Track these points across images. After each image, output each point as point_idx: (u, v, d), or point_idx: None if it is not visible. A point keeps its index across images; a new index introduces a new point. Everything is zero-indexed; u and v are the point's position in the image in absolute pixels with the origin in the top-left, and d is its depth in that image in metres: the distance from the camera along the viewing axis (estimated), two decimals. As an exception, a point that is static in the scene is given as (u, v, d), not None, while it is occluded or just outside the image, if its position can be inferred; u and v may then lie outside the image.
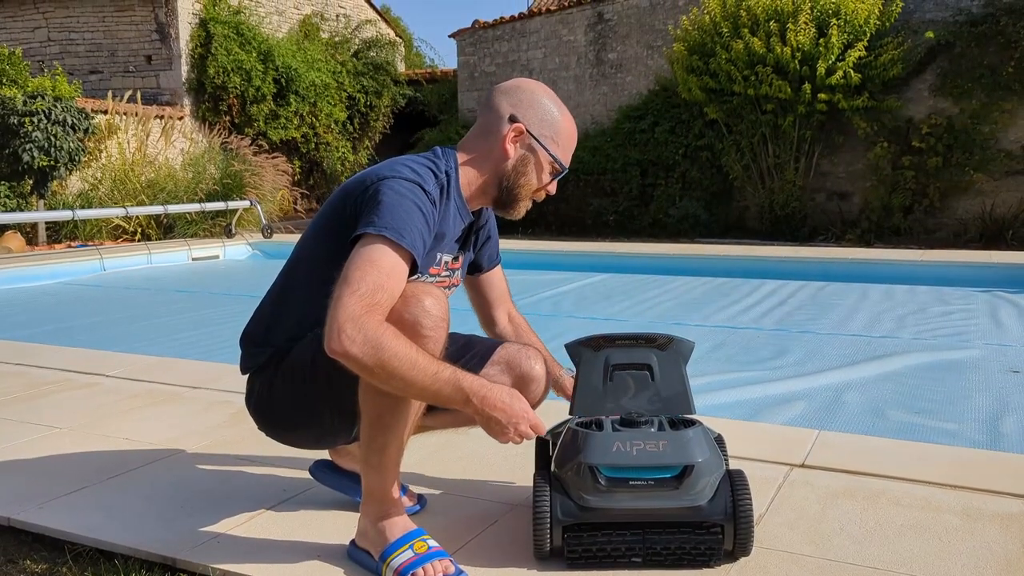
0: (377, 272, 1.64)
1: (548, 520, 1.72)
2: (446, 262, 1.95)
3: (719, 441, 1.93)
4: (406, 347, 1.61)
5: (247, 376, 1.96)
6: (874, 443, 2.59)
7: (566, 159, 1.96)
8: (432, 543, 1.80)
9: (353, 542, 1.88)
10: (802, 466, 2.38)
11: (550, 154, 1.92)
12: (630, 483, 1.68)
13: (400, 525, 1.82)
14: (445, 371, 1.64)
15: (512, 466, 2.37)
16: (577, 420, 1.83)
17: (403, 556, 1.75)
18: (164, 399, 3.17)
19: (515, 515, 2.08)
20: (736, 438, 2.24)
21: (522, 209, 1.96)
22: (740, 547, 1.74)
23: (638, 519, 1.71)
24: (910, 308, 5.57)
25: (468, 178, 1.91)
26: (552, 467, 1.82)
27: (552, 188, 1.99)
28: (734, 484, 1.73)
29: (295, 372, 1.83)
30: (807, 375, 3.85)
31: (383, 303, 1.63)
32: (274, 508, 2.15)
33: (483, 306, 2.20)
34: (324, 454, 2.20)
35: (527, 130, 1.90)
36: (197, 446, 2.61)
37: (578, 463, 1.72)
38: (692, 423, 1.78)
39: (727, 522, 1.71)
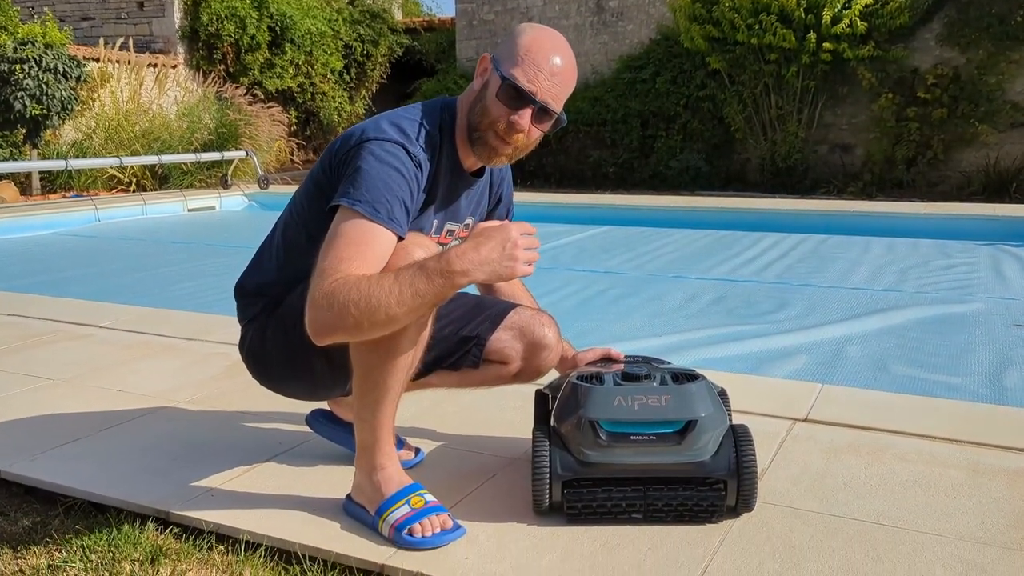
0: (346, 245, 1.58)
1: (547, 475, 1.68)
2: (451, 231, 1.87)
3: (722, 395, 1.89)
4: (358, 280, 1.52)
5: (242, 325, 1.91)
6: (878, 397, 2.56)
7: (528, 79, 1.66)
8: (429, 498, 1.76)
9: (349, 496, 1.84)
10: (805, 420, 2.35)
11: (500, 73, 1.66)
12: (631, 438, 1.64)
13: (396, 480, 1.78)
14: (405, 271, 1.53)
15: (512, 419, 2.34)
16: (577, 374, 1.79)
17: (399, 511, 1.72)
18: (159, 351, 3.13)
19: (514, 469, 2.04)
20: (738, 392, 2.20)
21: (494, 153, 1.72)
22: (743, 503, 1.71)
23: (639, 474, 1.68)
24: (912, 261, 5.52)
25: (460, 131, 1.78)
26: (552, 421, 1.78)
27: (521, 120, 1.67)
28: (738, 439, 1.69)
29: (286, 323, 1.78)
30: (808, 328, 3.81)
31: (349, 272, 1.56)
32: (269, 461, 2.11)
33: None
34: (322, 404, 2.17)
35: (491, 57, 1.73)
36: (192, 398, 2.57)
37: (578, 417, 1.68)
38: (695, 377, 1.74)
39: (730, 478, 1.67)
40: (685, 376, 1.75)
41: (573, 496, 1.69)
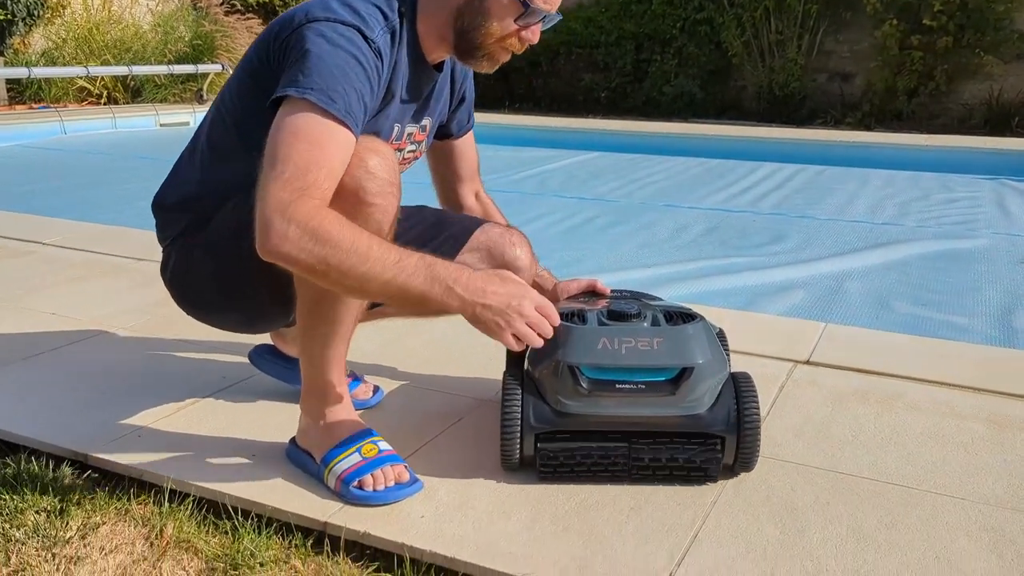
0: (306, 146, 1.29)
1: (518, 428, 1.46)
2: (410, 134, 1.61)
3: (721, 337, 1.67)
4: (354, 234, 1.28)
5: (163, 246, 1.66)
6: (886, 339, 2.34)
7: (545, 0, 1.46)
8: (384, 446, 1.54)
9: (293, 441, 1.62)
10: (807, 363, 2.13)
11: None
12: (617, 387, 1.41)
13: (347, 425, 1.56)
14: (410, 259, 1.31)
15: (487, 355, 2.11)
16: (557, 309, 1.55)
17: (348, 461, 1.50)
18: (104, 271, 2.87)
19: (484, 412, 1.82)
20: (733, 330, 1.97)
21: (489, 62, 1.52)
22: (743, 463, 1.50)
23: (625, 428, 1.46)
24: (913, 195, 5.28)
25: (426, 20, 1.51)
26: (525, 364, 1.55)
27: (533, 36, 1.50)
28: (739, 390, 1.47)
29: (217, 245, 1.53)
30: (806, 262, 3.58)
31: (320, 184, 1.29)
32: (208, 398, 1.88)
33: (449, 181, 1.85)
34: (265, 338, 1.93)
35: None
36: (131, 325, 2.33)
37: (556, 362, 1.45)
38: (692, 317, 1.51)
39: (729, 434, 1.46)
40: (680, 316, 1.52)
41: (548, 451, 1.48)
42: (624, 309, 1.48)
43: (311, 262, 1.27)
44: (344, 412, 1.57)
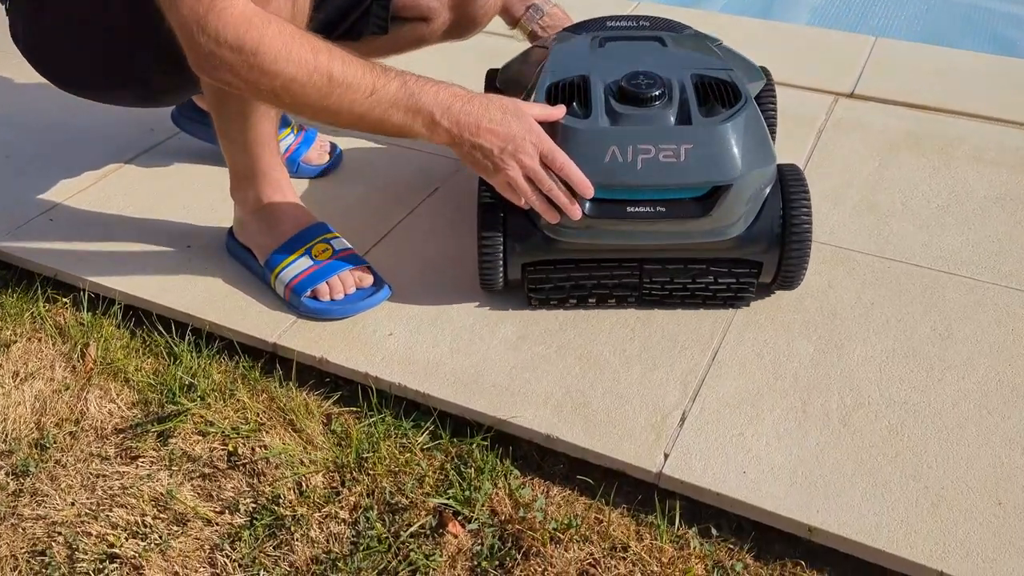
0: None
1: (499, 259, 1.17)
2: None
3: (768, 90, 1.33)
4: (307, 54, 0.96)
5: (4, 8, 1.27)
6: (950, 58, 1.95)
7: None
8: (339, 244, 1.27)
9: (232, 233, 1.35)
10: (851, 96, 1.79)
11: None
12: (628, 210, 1.10)
13: (290, 218, 1.28)
14: (386, 88, 1.00)
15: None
16: (550, 80, 1.18)
17: (296, 266, 1.24)
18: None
19: (464, 178, 1.53)
20: (756, 49, 1.61)
21: None
22: (784, 283, 1.22)
23: (637, 256, 1.18)
24: None
25: None
26: None
27: None
28: (787, 194, 1.15)
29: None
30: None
31: None
32: (132, 163, 1.58)
33: None
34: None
35: None
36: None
37: None
38: (735, 93, 1.14)
39: (770, 254, 1.16)
40: (719, 88, 1.14)
41: (538, 279, 1.20)
42: (642, 88, 1.11)
43: (261, 92, 0.98)
44: (285, 201, 1.28)
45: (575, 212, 1.07)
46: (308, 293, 1.23)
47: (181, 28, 0.93)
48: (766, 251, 1.16)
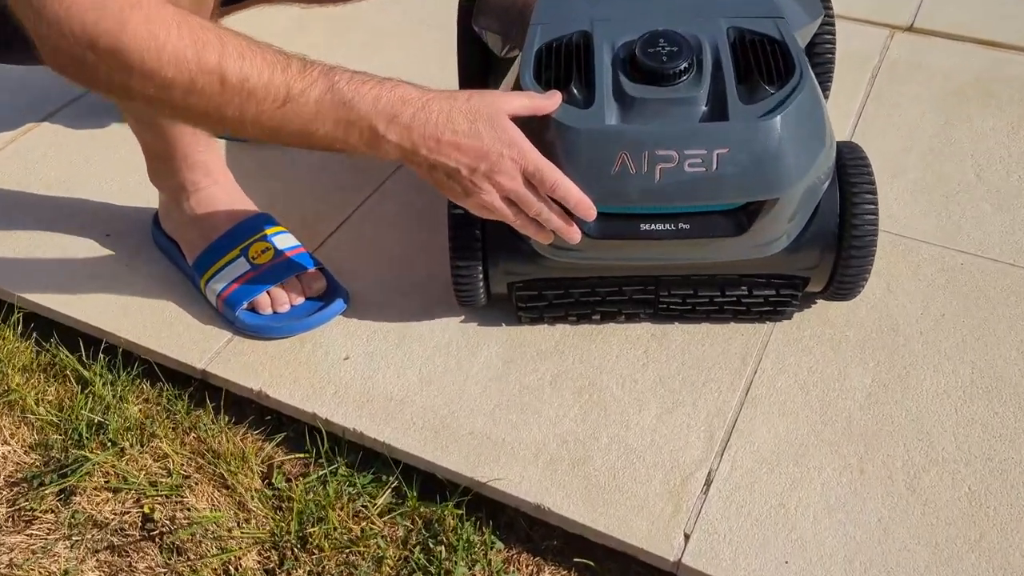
0: None
1: (478, 281, 0.93)
2: None
3: (826, 26, 1.07)
4: (188, 47, 0.69)
5: None
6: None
7: None
8: (284, 241, 1.03)
9: (156, 221, 1.11)
10: (909, 29, 1.50)
11: None
12: (643, 227, 0.85)
13: (222, 208, 1.03)
14: (310, 91, 0.73)
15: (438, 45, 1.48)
16: (539, 40, 0.89)
17: (229, 272, 1.00)
18: None
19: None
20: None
21: None
22: (839, 293, 0.96)
23: (649, 272, 0.93)
24: None
25: None
26: None
27: None
28: (848, 186, 0.88)
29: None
30: None
31: None
32: (50, 120, 1.32)
33: None
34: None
35: None
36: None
37: None
38: (786, 61, 0.85)
39: (823, 264, 0.91)
40: (762, 54, 0.86)
41: (529, 297, 0.96)
42: (663, 58, 0.82)
43: (134, 99, 0.71)
44: (215, 187, 1.03)
45: (574, 236, 0.83)
46: (245, 305, 0.99)
47: (19, 11, 0.67)
48: (818, 262, 0.91)
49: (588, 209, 0.80)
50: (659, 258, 0.89)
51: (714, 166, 0.81)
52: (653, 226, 0.85)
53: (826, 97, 1.16)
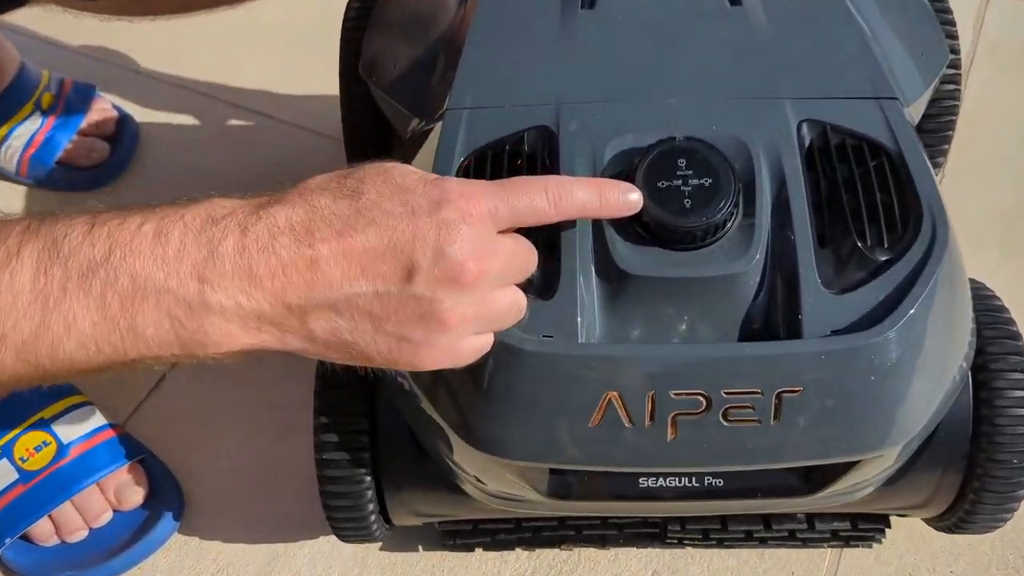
0: None
1: (365, 510, 0.54)
2: None
3: (950, 80, 0.66)
4: None
5: None
6: None
7: None
8: (74, 431, 0.65)
9: None
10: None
11: None
12: (643, 484, 0.48)
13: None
14: (20, 270, 0.37)
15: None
16: (460, 150, 0.48)
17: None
18: None
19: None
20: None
21: None
22: (964, 528, 0.57)
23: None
24: None
25: None
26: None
27: None
28: (986, 375, 0.50)
29: None
30: None
31: None
32: None
33: None
34: None
35: None
36: None
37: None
38: (903, 199, 0.46)
39: (941, 490, 0.53)
40: (864, 161, 0.47)
41: (456, 527, 0.61)
42: (682, 194, 0.42)
43: None
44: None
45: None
46: (19, 535, 0.63)
47: None
48: (933, 494, 0.55)
49: (628, 200, 0.44)
50: (669, 513, 0.54)
51: (773, 417, 0.44)
52: (661, 482, 0.49)
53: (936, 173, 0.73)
